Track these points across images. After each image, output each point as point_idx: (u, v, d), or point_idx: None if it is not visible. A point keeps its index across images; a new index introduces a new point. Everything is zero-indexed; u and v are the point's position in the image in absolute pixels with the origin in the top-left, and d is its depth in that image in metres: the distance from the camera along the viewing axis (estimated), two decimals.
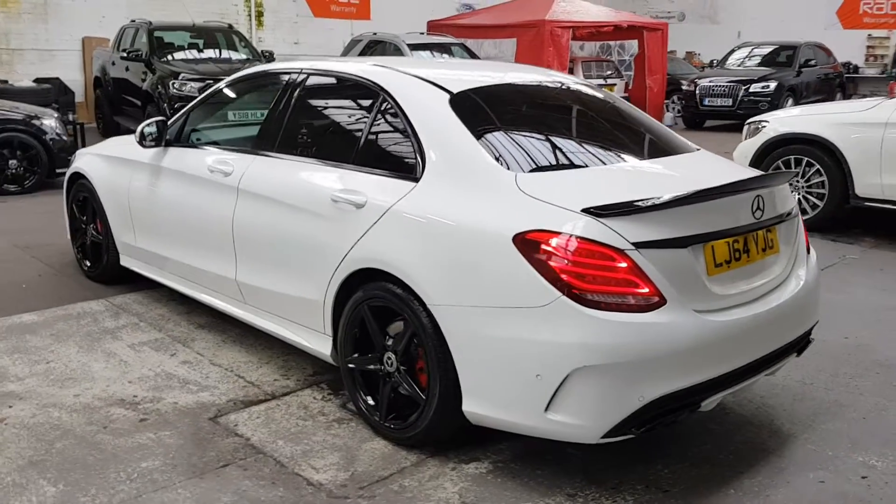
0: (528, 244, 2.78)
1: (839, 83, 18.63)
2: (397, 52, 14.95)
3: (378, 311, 3.30)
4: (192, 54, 11.76)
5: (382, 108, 3.51)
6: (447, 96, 3.40)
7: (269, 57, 12.48)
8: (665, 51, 17.12)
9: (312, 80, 3.94)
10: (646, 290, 2.71)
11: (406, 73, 3.59)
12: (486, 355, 2.89)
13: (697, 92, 16.20)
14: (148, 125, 4.51)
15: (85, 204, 5.33)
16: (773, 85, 15.81)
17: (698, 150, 3.73)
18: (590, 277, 2.70)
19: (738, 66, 17.53)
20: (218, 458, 3.19)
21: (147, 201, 4.64)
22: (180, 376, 3.96)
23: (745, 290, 3.02)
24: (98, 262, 5.30)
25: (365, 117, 3.59)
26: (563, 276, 2.71)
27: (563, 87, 3.90)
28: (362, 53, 15.51)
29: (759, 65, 17.28)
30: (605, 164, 3.27)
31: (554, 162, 3.24)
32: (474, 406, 2.98)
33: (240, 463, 3.16)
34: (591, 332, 2.68)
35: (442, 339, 3.01)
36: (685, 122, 17.10)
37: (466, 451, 3.24)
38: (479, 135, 3.22)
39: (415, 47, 14.90)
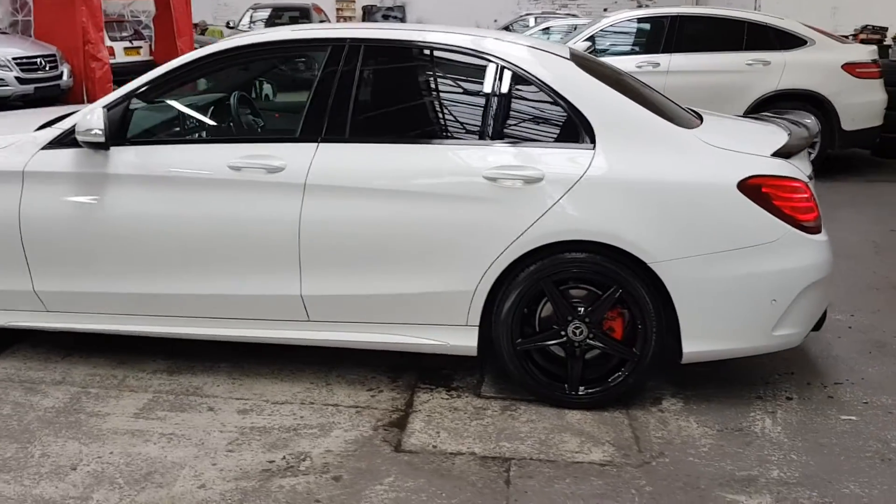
0: (751, 188, 3.15)
1: None
2: None
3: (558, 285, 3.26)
4: None
5: (507, 79, 3.32)
6: (569, 61, 3.41)
7: None
8: (190, 11, 16.54)
9: (380, 52, 3.41)
10: (817, 213, 3.34)
11: (514, 42, 3.43)
12: (716, 297, 3.18)
13: None
14: (91, 119, 3.22)
15: None
16: None
17: None
18: (798, 209, 3.21)
19: (253, 27, 17.98)
20: (492, 479, 2.85)
21: (79, 227, 3.36)
22: (274, 426, 3.18)
23: None
24: None
25: (482, 90, 3.32)
26: (787, 211, 3.17)
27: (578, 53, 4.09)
28: None
29: (277, 25, 17.95)
30: (706, 118, 3.69)
31: (689, 117, 3.56)
32: (696, 346, 3.24)
33: (517, 472, 2.88)
34: (813, 253, 3.22)
35: (662, 293, 3.18)
36: None
37: (641, 398, 3.45)
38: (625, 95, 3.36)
39: None
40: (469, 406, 3.38)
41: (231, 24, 18.49)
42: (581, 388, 3.32)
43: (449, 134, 3.41)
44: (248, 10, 18.47)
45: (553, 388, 3.34)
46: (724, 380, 3.60)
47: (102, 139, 3.24)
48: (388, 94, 3.57)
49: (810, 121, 3.65)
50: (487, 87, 3.35)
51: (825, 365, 3.80)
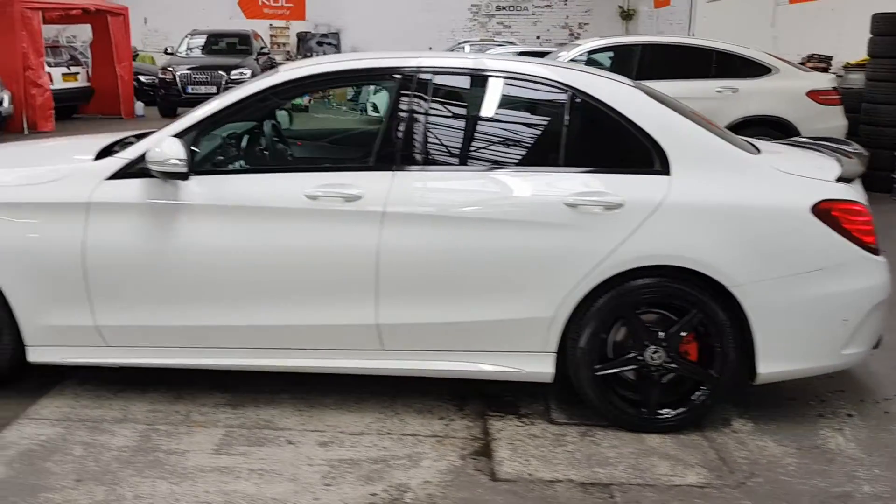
0: (823, 212, 3.24)
1: (279, 65, 20.23)
2: None
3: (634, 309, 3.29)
4: None
5: (581, 108, 3.36)
6: (637, 89, 3.46)
7: None
8: (129, 37, 16.13)
9: (455, 81, 3.39)
10: (874, 236, 3.47)
11: (586, 72, 3.47)
12: (792, 318, 3.25)
13: (178, 80, 15.78)
14: (167, 149, 3.08)
15: None
16: (248, 72, 16.38)
17: None
18: (863, 231, 3.33)
19: (191, 53, 17.59)
20: None
21: (150, 259, 3.22)
22: (361, 458, 3.09)
23: None
24: None
25: (556, 118, 3.35)
26: (854, 233, 3.28)
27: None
28: None
29: (215, 52, 17.60)
30: (761, 145, 3.77)
31: (747, 144, 3.64)
32: (771, 367, 3.30)
33: (622, 498, 2.87)
34: (879, 273, 3.33)
35: (741, 315, 3.24)
36: (161, 112, 16.40)
37: (711, 420, 3.46)
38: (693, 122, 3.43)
39: None
40: (547, 433, 3.35)
41: (169, 51, 18.04)
42: (666, 410, 3.34)
43: (525, 161, 3.42)
44: (185, 37, 18.04)
45: (633, 413, 3.35)
46: (780, 399, 3.67)
47: (184, 169, 3.13)
48: (464, 122, 3.54)
49: (858, 147, 3.80)
50: (561, 115, 3.37)
51: (868, 381, 3.94)
